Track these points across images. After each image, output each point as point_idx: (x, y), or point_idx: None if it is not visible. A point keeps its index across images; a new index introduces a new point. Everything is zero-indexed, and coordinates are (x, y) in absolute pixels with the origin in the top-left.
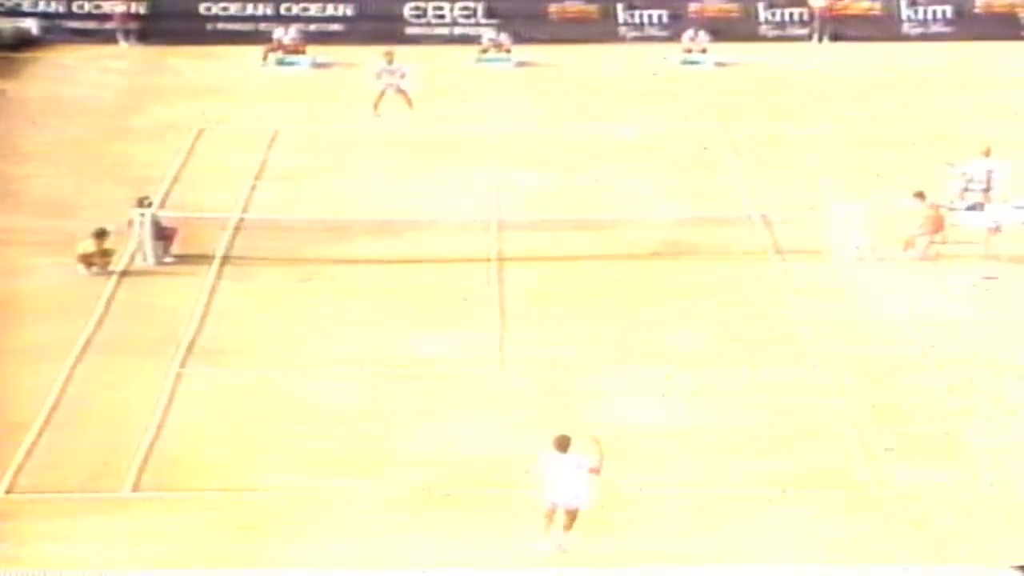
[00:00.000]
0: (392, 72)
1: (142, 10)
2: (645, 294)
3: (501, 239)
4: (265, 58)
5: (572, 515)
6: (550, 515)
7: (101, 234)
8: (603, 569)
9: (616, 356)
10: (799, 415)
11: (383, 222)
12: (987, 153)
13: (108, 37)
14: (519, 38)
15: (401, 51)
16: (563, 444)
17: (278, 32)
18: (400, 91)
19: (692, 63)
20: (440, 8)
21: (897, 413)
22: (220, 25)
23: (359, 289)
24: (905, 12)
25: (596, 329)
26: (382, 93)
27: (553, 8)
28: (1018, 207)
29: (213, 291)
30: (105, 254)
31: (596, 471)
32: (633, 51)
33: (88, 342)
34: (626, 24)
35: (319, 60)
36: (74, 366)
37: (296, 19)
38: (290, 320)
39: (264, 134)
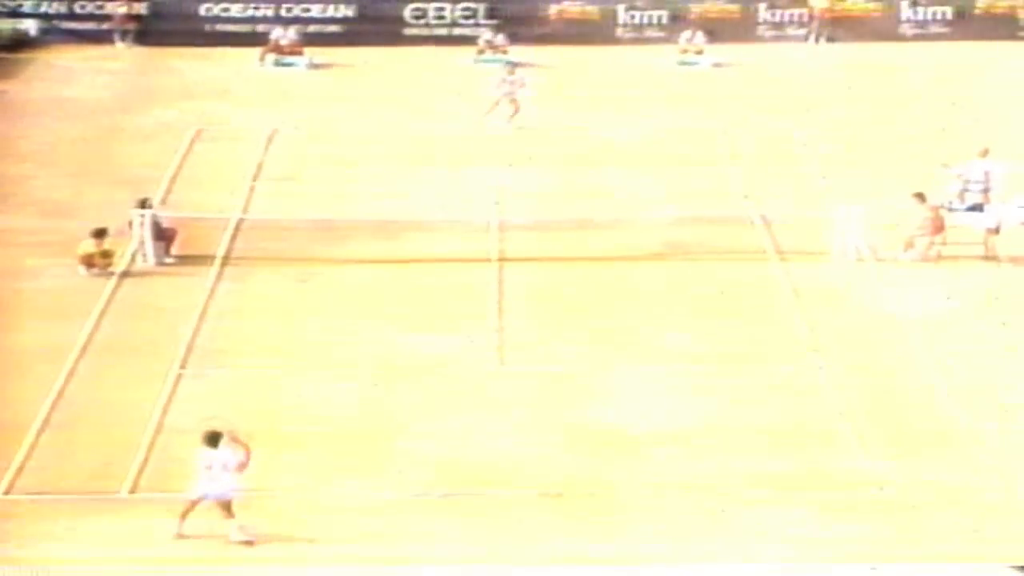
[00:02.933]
0: (512, 82)
1: (141, 11)
2: (644, 294)
3: (501, 239)
4: (262, 59)
5: (226, 505)
6: (192, 507)
7: (100, 234)
8: (603, 569)
9: (616, 356)
10: (799, 415)
11: (382, 222)
12: (984, 154)
13: (107, 38)
14: (519, 39)
15: (401, 52)
16: (213, 439)
17: (276, 33)
18: (513, 100)
19: (689, 64)
20: (441, 9)
21: (897, 413)
22: (219, 27)
23: (359, 289)
24: (904, 13)
25: (596, 329)
26: (497, 101)
27: (553, 9)
28: (1018, 207)
29: (212, 292)
30: (105, 255)
31: (243, 467)
32: (632, 52)
33: (88, 342)
34: (625, 25)
35: (316, 61)
36: (74, 366)
37: (295, 20)
38: (289, 320)
39: (262, 135)
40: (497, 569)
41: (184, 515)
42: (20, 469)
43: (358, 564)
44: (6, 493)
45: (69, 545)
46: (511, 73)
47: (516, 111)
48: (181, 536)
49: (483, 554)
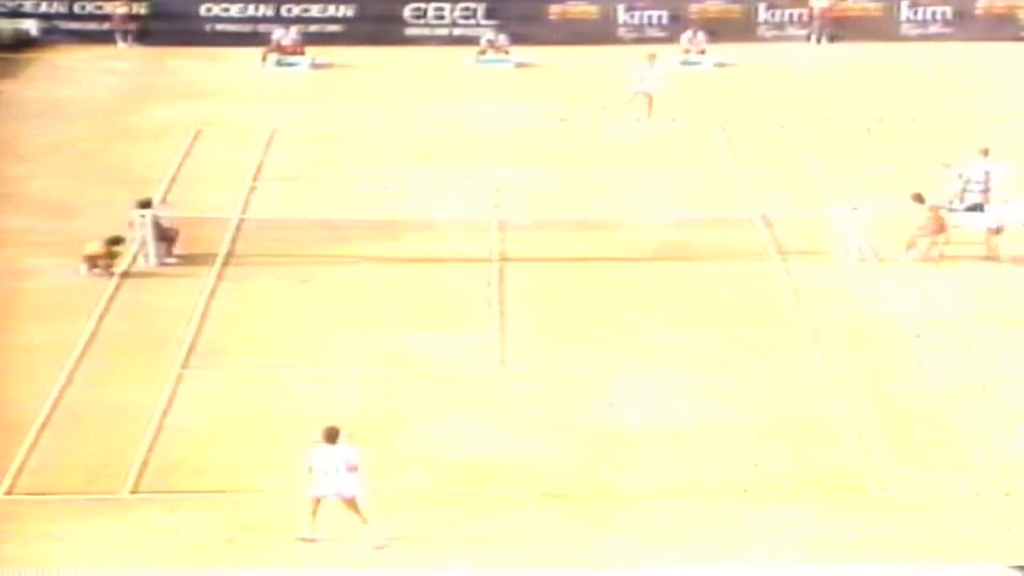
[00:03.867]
0: (651, 77)
1: (142, 11)
2: (645, 295)
3: (501, 239)
4: (264, 59)
5: (351, 504)
6: (315, 508)
7: (116, 241)
8: (603, 569)
9: (616, 356)
10: (799, 415)
11: (383, 222)
12: (985, 154)
13: (107, 38)
14: (519, 39)
15: (401, 52)
16: (332, 436)
17: (278, 33)
18: (647, 94)
19: (691, 64)
20: (440, 9)
21: (898, 413)
22: (219, 26)
23: (359, 289)
24: (905, 13)
25: (596, 329)
26: (634, 95)
27: (553, 9)
28: (1018, 207)
29: (213, 292)
30: (111, 255)
31: (354, 468)
32: (632, 52)
33: (89, 343)
34: (625, 25)
35: (318, 61)
36: (74, 367)
37: (296, 20)
38: (290, 320)
39: (263, 135)
40: (497, 569)
41: (313, 514)
42: (21, 469)
43: (358, 564)
44: (7, 493)
45: (69, 545)
46: (651, 63)
47: (649, 106)
48: (306, 540)
49: (483, 554)
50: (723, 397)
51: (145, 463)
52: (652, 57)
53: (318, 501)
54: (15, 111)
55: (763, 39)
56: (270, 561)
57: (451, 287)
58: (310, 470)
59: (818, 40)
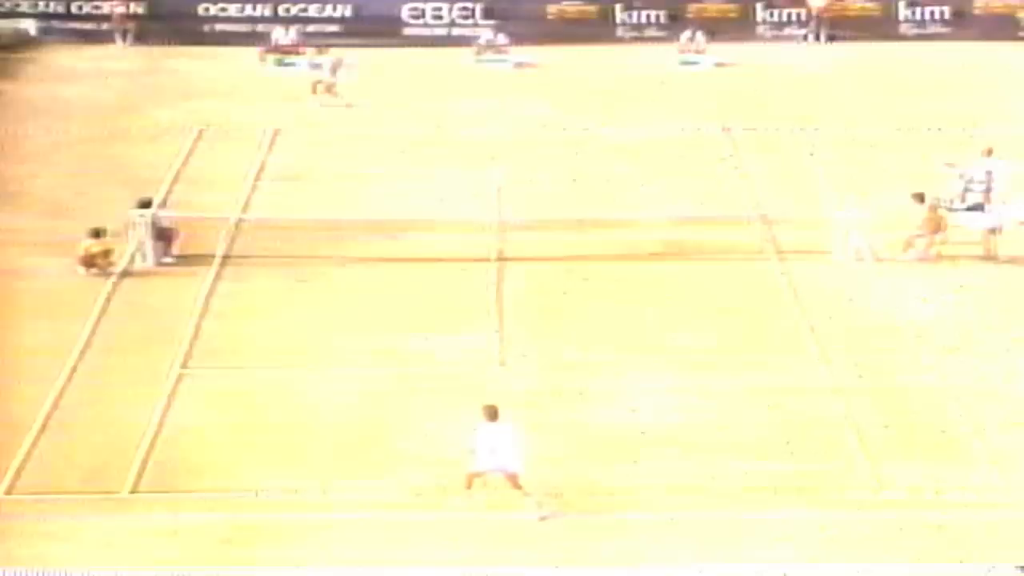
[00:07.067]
0: (319, 65)
1: (140, 11)
2: (645, 294)
3: (501, 239)
4: (263, 59)
5: (513, 479)
6: (473, 479)
7: (98, 233)
8: (603, 569)
9: (616, 356)
10: (799, 415)
11: (383, 222)
12: (988, 153)
13: (106, 38)
14: (518, 38)
15: (401, 51)
16: (492, 413)
17: (277, 33)
18: (329, 85)
19: (690, 63)
20: (438, 9)
21: (898, 413)
22: (218, 26)
23: (359, 289)
24: (903, 12)
25: (596, 329)
26: (315, 84)
27: (551, 9)
28: (1017, 207)
29: (212, 291)
30: (106, 254)
31: (516, 444)
32: (632, 52)
33: (88, 342)
34: (624, 25)
35: (316, 61)
36: (74, 366)
37: (294, 20)
38: (290, 320)
39: (263, 135)
40: (497, 569)
41: (468, 486)
42: (21, 469)
43: (358, 564)
44: (7, 493)
45: (69, 545)
46: (321, 53)
47: (332, 96)
48: (460, 507)
49: (483, 554)
50: (722, 397)
51: (145, 463)
52: (322, 51)
53: (478, 476)
54: (15, 111)
55: (762, 38)
56: (269, 561)
57: (451, 287)
58: (473, 449)
59: (816, 39)
